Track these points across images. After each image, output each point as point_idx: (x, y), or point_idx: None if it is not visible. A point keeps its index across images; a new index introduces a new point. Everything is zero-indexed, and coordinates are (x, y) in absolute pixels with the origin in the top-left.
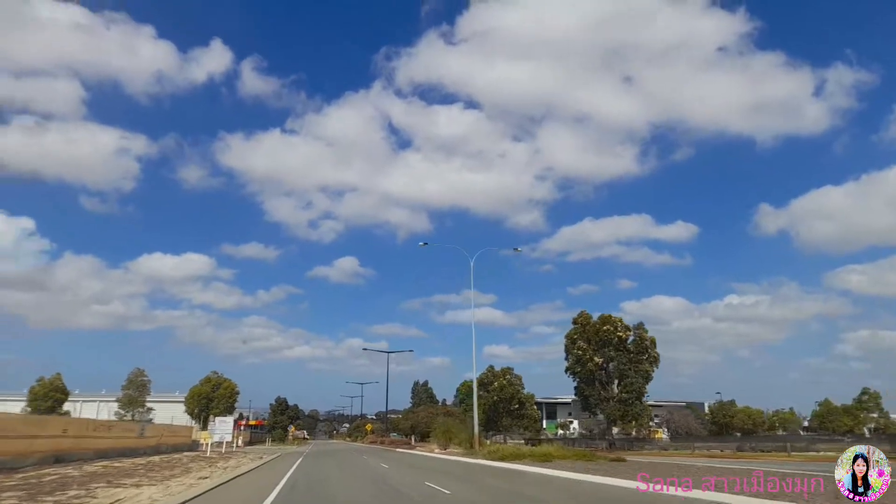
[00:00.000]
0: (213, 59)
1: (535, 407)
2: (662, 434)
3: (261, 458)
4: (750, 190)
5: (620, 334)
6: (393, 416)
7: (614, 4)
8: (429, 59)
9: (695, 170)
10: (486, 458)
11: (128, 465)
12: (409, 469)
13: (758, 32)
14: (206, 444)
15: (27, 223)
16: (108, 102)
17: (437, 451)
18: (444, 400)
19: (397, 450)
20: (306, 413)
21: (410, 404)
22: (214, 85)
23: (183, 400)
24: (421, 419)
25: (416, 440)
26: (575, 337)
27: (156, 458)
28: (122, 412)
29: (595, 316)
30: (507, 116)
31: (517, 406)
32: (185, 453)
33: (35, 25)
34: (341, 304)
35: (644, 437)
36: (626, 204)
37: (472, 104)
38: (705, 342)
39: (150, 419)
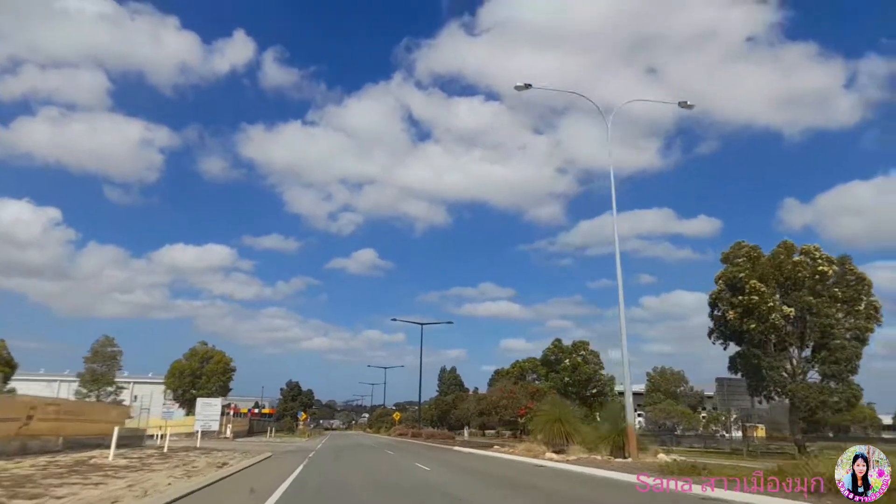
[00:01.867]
0: (237, 50)
1: (618, 394)
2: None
3: (220, 466)
4: (775, 184)
5: (823, 268)
6: (410, 406)
7: None
8: (449, 50)
9: (719, 163)
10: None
11: None
12: None
13: (789, 22)
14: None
15: (54, 213)
16: (132, 93)
17: (552, 456)
18: (476, 388)
19: (456, 449)
20: (323, 403)
21: (437, 393)
22: (237, 76)
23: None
24: (487, 403)
25: (461, 432)
26: (741, 277)
27: None
28: (85, 391)
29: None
30: (529, 108)
31: (594, 392)
32: (92, 453)
33: (62, 16)
34: (359, 295)
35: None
36: (648, 198)
37: (492, 95)
38: None
39: (121, 401)
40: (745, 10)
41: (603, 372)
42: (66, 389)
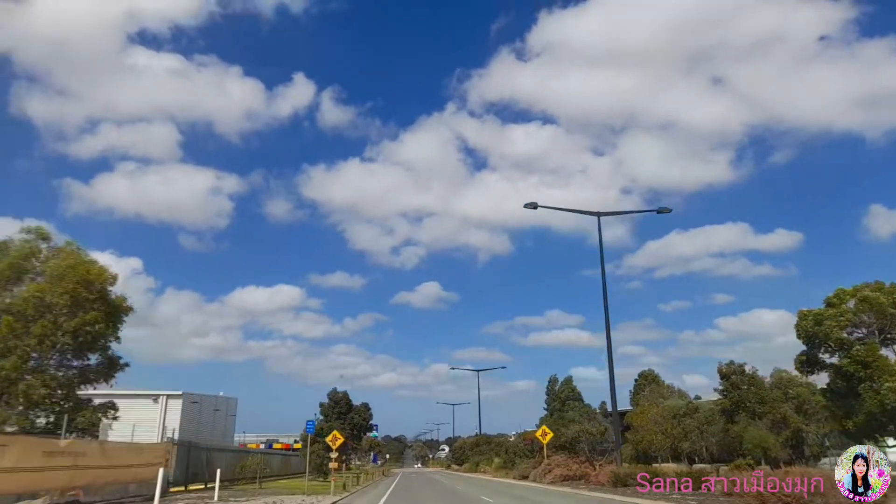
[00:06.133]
0: (298, 93)
1: None
2: None
3: None
4: (859, 191)
5: None
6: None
7: (697, 2)
8: (501, 77)
9: (797, 173)
10: None
11: None
12: None
13: (866, 18)
14: None
15: (135, 263)
16: (201, 143)
17: None
18: (604, 403)
19: None
20: (393, 437)
21: (545, 411)
22: (298, 119)
23: None
24: None
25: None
26: None
27: None
28: None
29: None
30: (586, 129)
31: None
32: None
33: (133, 74)
34: (425, 329)
35: None
36: (720, 213)
37: (548, 119)
38: None
39: None
40: (816, 9)
41: None
42: None
